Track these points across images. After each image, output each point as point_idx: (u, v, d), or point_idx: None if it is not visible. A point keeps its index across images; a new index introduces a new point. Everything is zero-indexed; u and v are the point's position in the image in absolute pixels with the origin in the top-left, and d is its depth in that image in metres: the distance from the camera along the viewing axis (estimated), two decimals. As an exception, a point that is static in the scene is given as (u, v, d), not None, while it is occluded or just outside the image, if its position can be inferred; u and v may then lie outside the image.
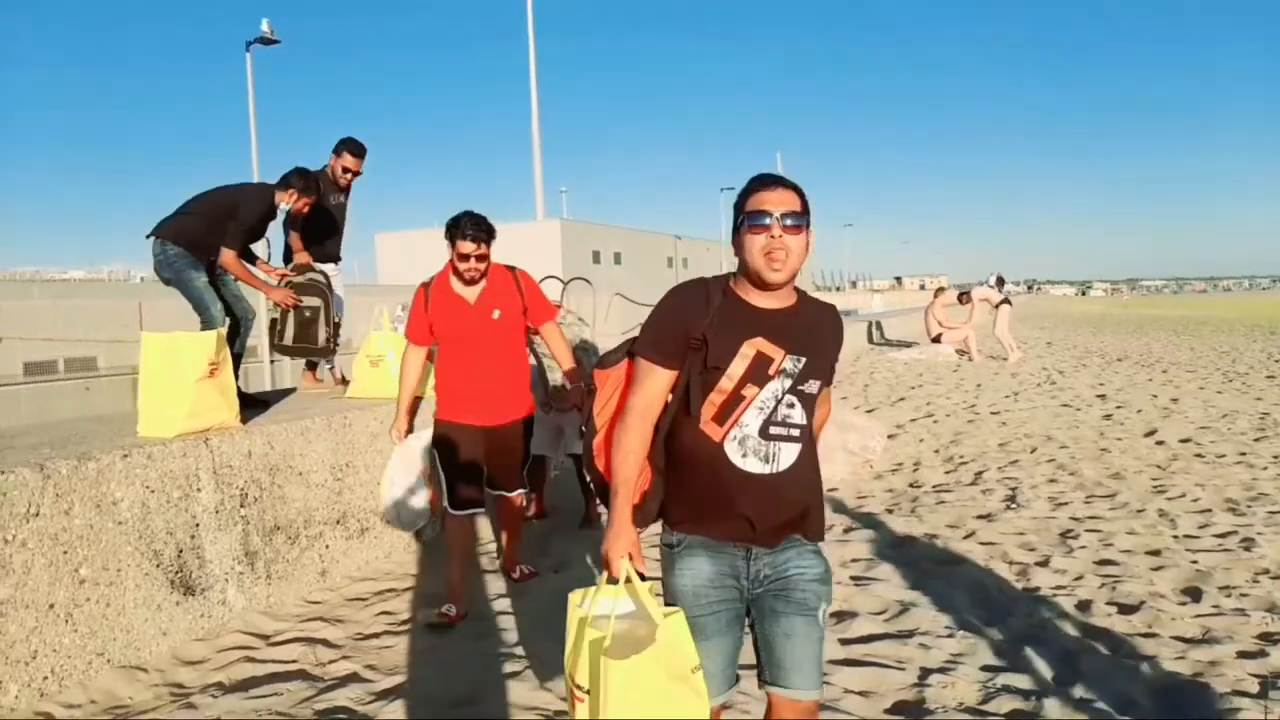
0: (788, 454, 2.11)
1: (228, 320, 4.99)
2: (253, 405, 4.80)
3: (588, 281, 9.38)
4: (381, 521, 4.86)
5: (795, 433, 2.11)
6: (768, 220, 2.04)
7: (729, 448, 2.08)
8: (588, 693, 1.92)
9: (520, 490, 4.44)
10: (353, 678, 3.55)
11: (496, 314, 4.14)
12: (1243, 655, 3.75)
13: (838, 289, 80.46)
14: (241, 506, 4.11)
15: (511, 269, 4.27)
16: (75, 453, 3.56)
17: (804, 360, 2.10)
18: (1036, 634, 3.96)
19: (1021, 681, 3.50)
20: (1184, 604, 4.34)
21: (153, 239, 5.06)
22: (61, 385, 19.93)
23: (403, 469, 4.53)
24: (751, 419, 2.08)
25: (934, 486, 6.93)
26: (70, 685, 3.37)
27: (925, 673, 3.58)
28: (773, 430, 2.09)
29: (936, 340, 17.01)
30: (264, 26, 18.61)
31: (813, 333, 2.15)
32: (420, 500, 4.59)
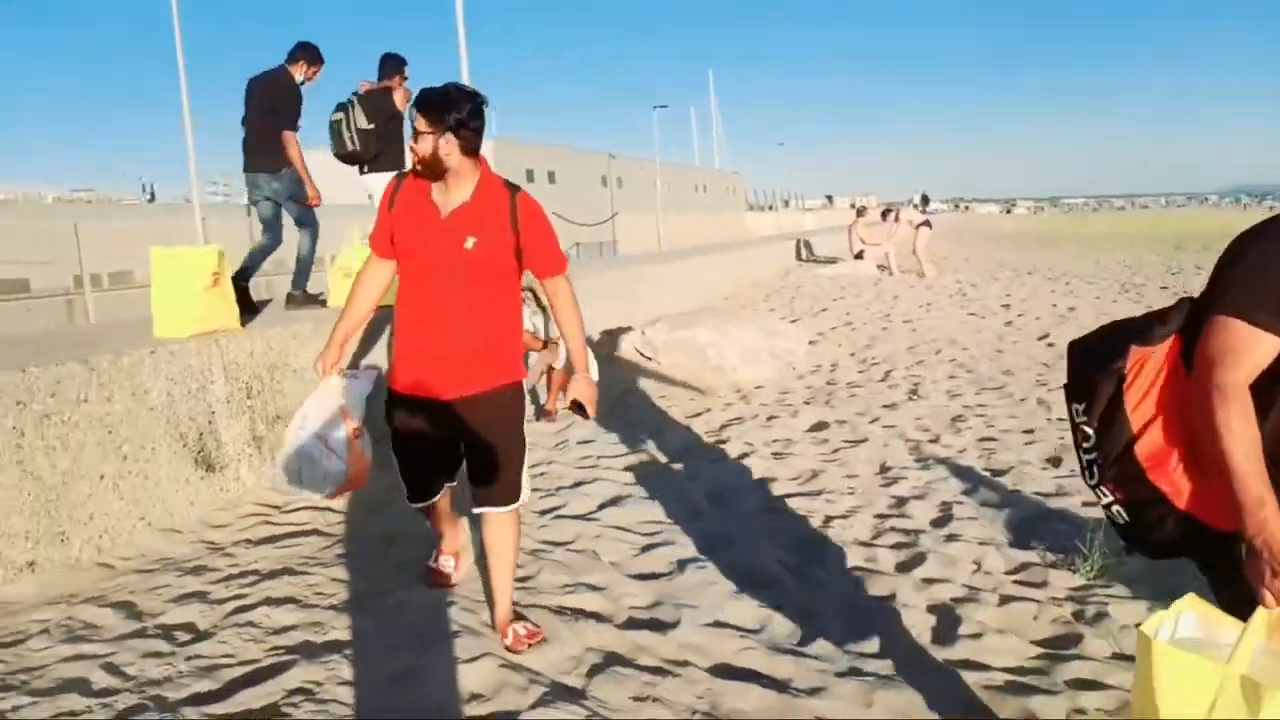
0: None
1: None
2: (249, 311, 5.36)
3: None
4: (279, 478, 3.30)
5: None
6: None
7: None
8: None
9: (514, 505, 3.13)
10: (360, 533, 4.25)
11: (470, 242, 2.90)
12: (1087, 504, 4.66)
13: (770, 208, 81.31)
14: (248, 398, 4.73)
15: (513, 189, 3.01)
16: (111, 349, 4.14)
17: None
18: (922, 493, 4.82)
19: (905, 524, 4.37)
20: (1045, 469, 5.25)
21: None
22: (-3, 306, 19.85)
23: (317, 414, 3.15)
24: None
25: (848, 383, 7.81)
26: (120, 544, 4.01)
27: (828, 520, 4.42)
28: None
29: (859, 257, 17.93)
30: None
31: None
32: (333, 462, 3.14)
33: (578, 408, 3.07)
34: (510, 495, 3.11)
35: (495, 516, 3.12)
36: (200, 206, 21.68)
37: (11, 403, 3.61)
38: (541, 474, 5.15)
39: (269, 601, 3.40)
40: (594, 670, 3.00)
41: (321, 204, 6.35)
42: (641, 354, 8.16)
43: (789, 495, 4.80)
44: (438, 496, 3.30)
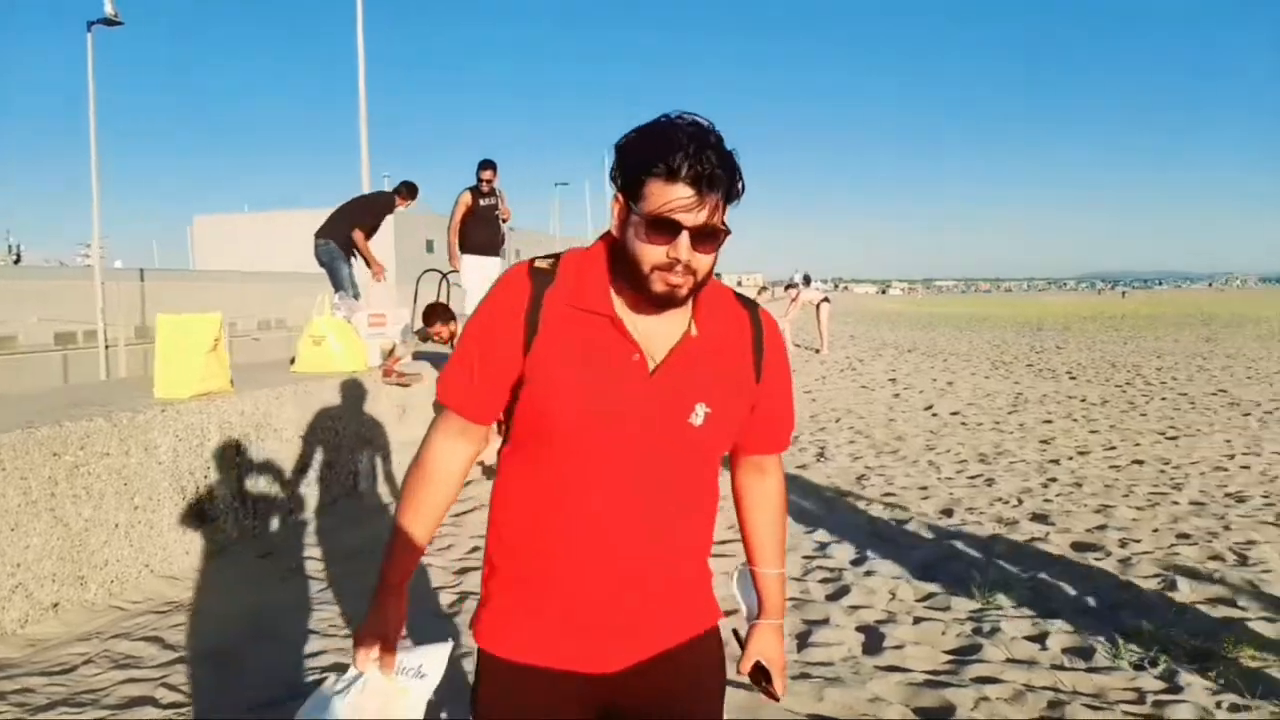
0: None
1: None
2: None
3: (459, 285, 10.36)
4: None
5: None
6: None
7: None
8: None
9: None
10: (347, 578, 4.69)
11: (700, 415, 1.54)
12: (974, 546, 5.49)
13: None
14: (237, 454, 5.13)
15: (750, 305, 1.65)
16: (129, 407, 4.53)
17: None
18: (839, 538, 5.56)
19: (829, 563, 5.08)
20: (940, 519, 6.07)
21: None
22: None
23: None
24: None
25: (762, 448, 8.59)
26: (128, 588, 4.35)
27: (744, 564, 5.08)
28: None
29: (754, 335, 19.01)
30: (107, 8, 18.22)
31: None
32: None
33: (761, 676, 1.78)
34: None
35: None
36: (98, 270, 21.35)
37: (49, 453, 3.98)
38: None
39: (289, 632, 3.83)
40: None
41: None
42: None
43: (723, 541, 5.45)
44: None
